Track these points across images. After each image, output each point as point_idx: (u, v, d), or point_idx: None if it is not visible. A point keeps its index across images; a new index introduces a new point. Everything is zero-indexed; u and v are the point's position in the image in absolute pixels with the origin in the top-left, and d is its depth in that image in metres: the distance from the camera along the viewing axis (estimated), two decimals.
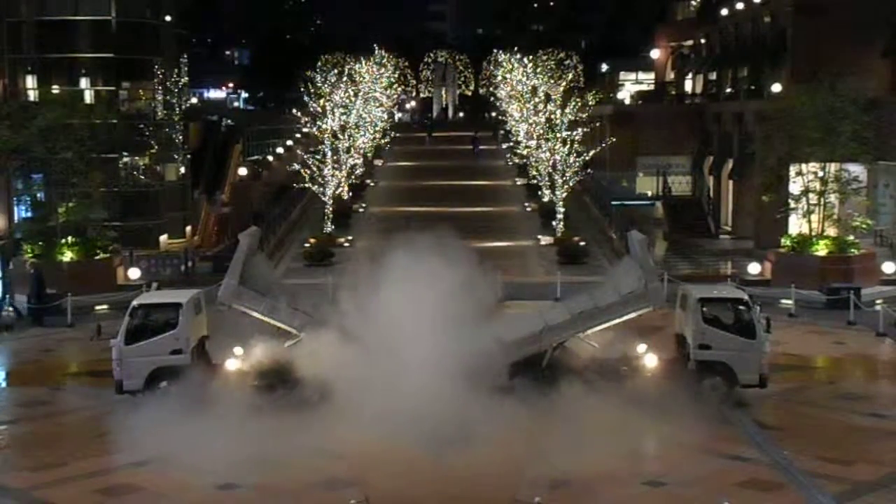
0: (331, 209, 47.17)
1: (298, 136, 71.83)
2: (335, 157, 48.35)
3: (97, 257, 37.65)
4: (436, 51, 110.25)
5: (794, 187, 37.55)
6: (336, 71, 57.27)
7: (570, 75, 55.02)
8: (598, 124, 56.01)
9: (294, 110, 56.87)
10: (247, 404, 20.99)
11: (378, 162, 68.99)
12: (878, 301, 32.83)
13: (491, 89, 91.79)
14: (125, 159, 49.43)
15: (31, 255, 37.08)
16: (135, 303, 23.06)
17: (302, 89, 52.56)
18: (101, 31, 49.49)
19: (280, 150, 75.64)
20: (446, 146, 75.07)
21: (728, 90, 59.10)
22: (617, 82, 79.87)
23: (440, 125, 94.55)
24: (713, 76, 63.45)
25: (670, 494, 17.44)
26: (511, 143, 65.00)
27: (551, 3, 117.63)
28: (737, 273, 38.04)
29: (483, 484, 17.81)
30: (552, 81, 53.30)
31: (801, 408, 21.34)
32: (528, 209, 53.16)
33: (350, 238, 46.23)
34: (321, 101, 49.63)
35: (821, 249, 36.24)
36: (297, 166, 50.12)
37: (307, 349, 22.38)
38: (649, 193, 58.07)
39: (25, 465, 18.77)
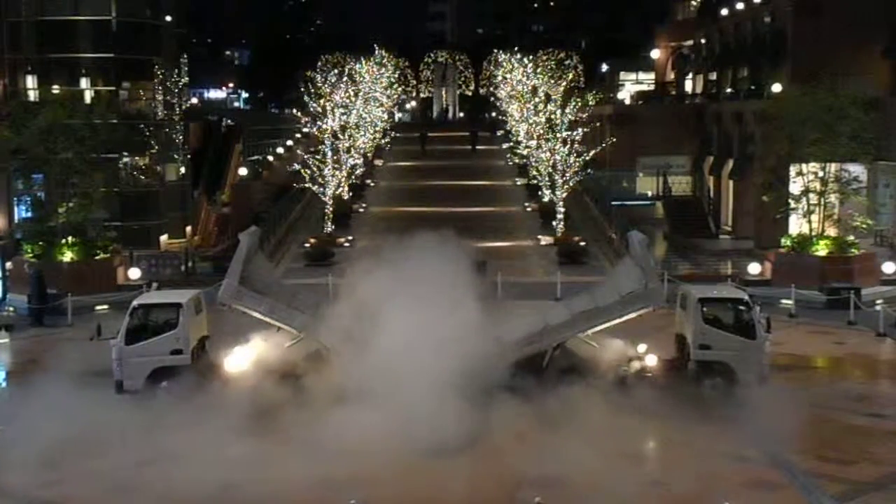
0: (331, 209, 47.19)
1: (298, 136, 71.89)
2: (335, 157, 48.38)
3: (97, 257, 37.61)
4: (436, 51, 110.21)
5: (794, 187, 37.54)
6: (336, 71, 57.28)
7: (570, 75, 55.06)
8: (598, 124, 56.07)
9: (294, 110, 56.90)
10: (246, 404, 21.02)
11: (378, 162, 69.00)
12: (878, 301, 32.81)
13: (491, 89, 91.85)
14: (125, 159, 49.43)
15: (31, 255, 37.06)
16: (135, 303, 23.08)
17: (302, 89, 52.59)
18: (101, 31, 49.53)
19: (280, 150, 75.71)
20: (447, 146, 75.09)
21: (728, 90, 59.12)
22: (617, 82, 79.90)
23: (440, 124, 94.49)
24: (713, 76, 63.49)
25: (670, 494, 17.44)
26: (511, 143, 65.06)
27: (551, 3, 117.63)
28: (737, 273, 38.02)
29: (483, 484, 17.81)
30: (552, 81, 53.34)
31: (801, 408, 21.32)
32: (528, 209, 53.17)
33: (350, 238, 46.23)
34: (321, 102, 49.67)
35: (821, 249, 36.22)
36: (297, 166, 50.15)
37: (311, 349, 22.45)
38: (649, 193, 58.10)
39: (25, 464, 18.75)
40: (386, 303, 21.02)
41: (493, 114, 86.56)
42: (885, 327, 29.41)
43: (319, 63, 72.88)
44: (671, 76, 72.59)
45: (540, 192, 51.57)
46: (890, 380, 26.03)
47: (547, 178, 49.50)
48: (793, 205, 37.57)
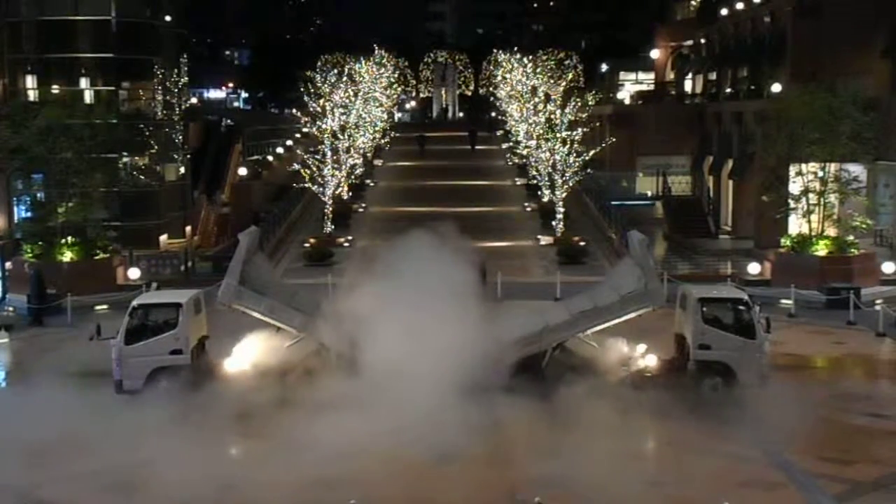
0: (331, 209, 47.19)
1: (298, 136, 71.88)
2: (335, 157, 48.39)
3: (97, 257, 37.61)
4: (436, 51, 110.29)
5: (794, 187, 37.52)
6: (336, 71, 57.30)
7: (570, 75, 55.13)
8: (598, 124, 56.08)
9: (294, 110, 56.86)
10: (245, 404, 21.04)
11: (378, 162, 69.01)
12: (878, 301, 32.80)
13: (491, 89, 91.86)
14: (125, 159, 49.42)
15: (31, 255, 37.06)
16: (135, 303, 23.08)
17: (302, 89, 52.59)
18: (101, 31, 49.54)
19: (280, 150, 75.69)
20: (446, 146, 75.10)
21: (728, 90, 59.13)
22: (617, 82, 79.91)
23: (440, 124, 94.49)
24: (713, 76, 63.49)
25: (670, 494, 17.44)
26: (510, 143, 65.08)
27: (551, 3, 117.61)
28: (737, 273, 38.02)
29: (483, 484, 17.81)
30: (552, 81, 53.38)
31: (801, 408, 21.34)
32: (528, 209, 53.17)
33: (350, 238, 46.24)
34: (321, 101, 49.68)
35: (821, 249, 36.20)
36: (297, 166, 50.17)
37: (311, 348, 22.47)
38: (649, 193, 58.13)
39: (25, 464, 18.75)
40: (386, 304, 21.03)
41: (493, 114, 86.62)
42: (884, 327, 29.41)
43: (319, 63, 72.86)
44: (671, 76, 72.61)
45: (539, 192, 51.59)
46: (890, 380, 26.02)
47: (546, 178, 49.52)
48: (792, 205, 37.54)
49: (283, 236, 47.15)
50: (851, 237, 36.88)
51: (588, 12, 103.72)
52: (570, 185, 46.69)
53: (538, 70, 58.71)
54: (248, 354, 22.96)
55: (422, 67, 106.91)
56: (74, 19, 49.40)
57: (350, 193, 54.03)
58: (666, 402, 20.96)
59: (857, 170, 38.24)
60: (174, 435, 19.59)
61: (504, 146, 69.62)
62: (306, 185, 47.72)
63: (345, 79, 55.93)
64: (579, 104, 47.49)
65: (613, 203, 49.39)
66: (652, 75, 77.02)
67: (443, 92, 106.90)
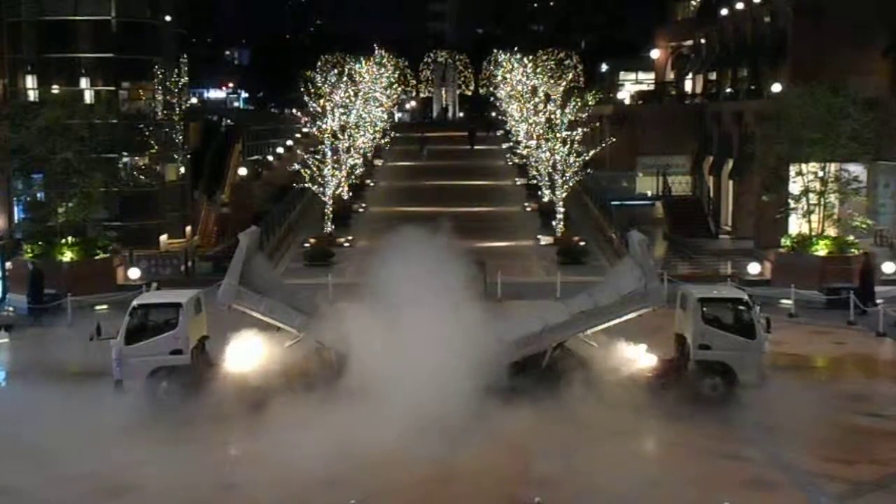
0: (331, 209, 47.20)
1: (298, 136, 71.93)
2: (335, 157, 48.39)
3: (97, 257, 37.61)
4: (436, 51, 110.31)
5: (794, 187, 37.51)
6: (336, 71, 57.31)
7: (570, 75, 55.13)
8: (597, 124, 56.09)
9: (294, 110, 56.91)
10: (245, 404, 21.05)
11: (378, 162, 69.03)
12: (878, 301, 32.75)
13: (491, 89, 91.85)
14: (125, 159, 49.43)
15: (31, 255, 37.05)
16: (135, 303, 23.06)
17: (302, 89, 52.62)
18: (101, 31, 49.64)
19: (280, 150, 75.75)
20: (446, 146, 75.11)
21: (728, 90, 59.14)
22: (617, 82, 79.97)
23: (440, 125, 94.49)
24: (713, 76, 63.50)
25: (670, 494, 17.43)
26: (511, 143, 65.08)
27: (551, 3, 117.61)
28: (737, 273, 38.01)
29: (483, 484, 17.81)
30: (552, 81, 53.35)
31: (801, 408, 21.34)
32: (528, 209, 53.17)
33: (350, 238, 46.24)
34: (321, 101, 49.69)
35: (821, 249, 36.19)
36: (297, 166, 50.19)
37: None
38: (649, 193, 58.16)
39: (26, 464, 18.74)
40: (385, 304, 21.03)
41: (493, 113, 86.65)
42: (884, 327, 29.40)
43: (319, 63, 72.90)
44: (671, 76, 72.64)
45: (540, 192, 51.58)
46: (890, 380, 25.98)
47: (547, 178, 49.50)
48: (793, 205, 37.55)
49: (283, 236, 47.15)
50: (851, 237, 36.87)
51: (588, 12, 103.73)
52: (570, 185, 46.68)
53: (538, 70, 58.72)
54: (248, 354, 22.95)
55: (422, 67, 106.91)
56: (74, 19, 49.47)
57: (350, 193, 54.03)
58: (666, 403, 20.96)
59: (857, 170, 38.23)
60: (174, 435, 19.59)
61: (504, 146, 69.62)
62: (306, 185, 47.72)
63: (345, 79, 55.94)
64: (579, 104, 47.49)
65: (613, 203, 49.40)
66: (652, 75, 77.08)
67: (443, 92, 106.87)
